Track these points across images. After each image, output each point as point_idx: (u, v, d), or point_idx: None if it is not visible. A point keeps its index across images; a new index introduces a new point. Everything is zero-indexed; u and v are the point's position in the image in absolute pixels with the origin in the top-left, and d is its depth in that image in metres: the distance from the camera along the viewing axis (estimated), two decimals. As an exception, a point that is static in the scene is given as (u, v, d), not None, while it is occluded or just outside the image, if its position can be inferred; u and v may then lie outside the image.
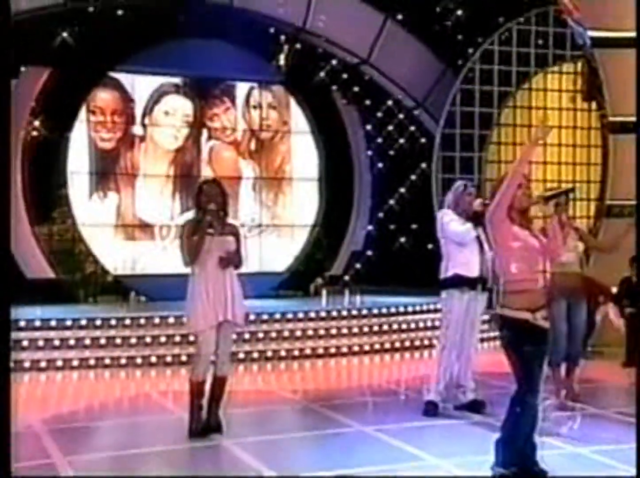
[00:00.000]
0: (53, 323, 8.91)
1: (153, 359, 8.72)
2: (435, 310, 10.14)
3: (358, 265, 13.89)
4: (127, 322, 9.33)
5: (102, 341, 8.81)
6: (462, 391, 6.22)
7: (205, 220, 5.39)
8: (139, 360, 8.61)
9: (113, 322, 9.23)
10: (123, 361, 8.58)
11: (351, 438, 5.43)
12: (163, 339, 9.02)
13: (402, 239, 13.97)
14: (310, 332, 9.72)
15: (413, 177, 13.72)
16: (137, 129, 11.64)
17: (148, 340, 9.00)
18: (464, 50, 12.95)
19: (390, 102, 13.44)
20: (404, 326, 10.36)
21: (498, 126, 12.78)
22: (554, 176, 13.01)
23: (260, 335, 9.46)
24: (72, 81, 10.98)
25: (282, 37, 12.24)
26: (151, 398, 7.07)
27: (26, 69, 10.99)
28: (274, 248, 12.31)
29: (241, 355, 9.04)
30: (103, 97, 11.46)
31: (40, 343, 8.68)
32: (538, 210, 4.87)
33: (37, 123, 11.10)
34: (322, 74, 12.82)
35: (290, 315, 9.90)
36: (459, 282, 5.97)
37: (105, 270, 11.33)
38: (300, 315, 9.97)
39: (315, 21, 12.38)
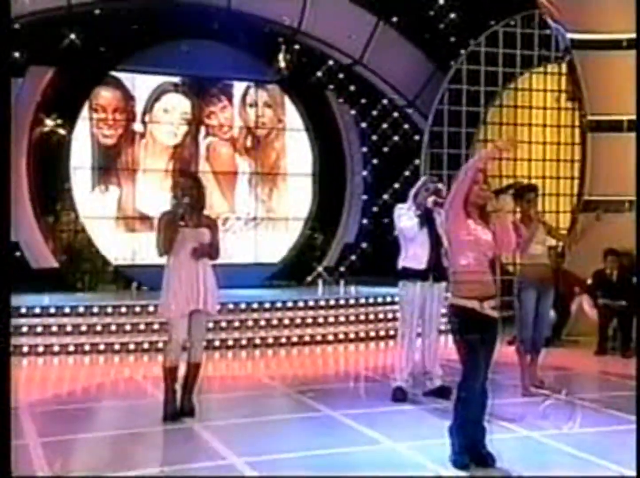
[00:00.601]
0: (52, 310, 9.44)
1: (145, 346, 9.26)
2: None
3: (354, 257, 14.40)
4: (123, 309, 9.86)
5: (98, 328, 9.35)
6: (429, 378, 6.65)
7: (177, 212, 5.75)
8: (131, 346, 9.15)
9: (109, 309, 9.73)
10: (117, 347, 9.13)
11: (317, 423, 5.82)
12: (156, 326, 9.57)
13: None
14: (298, 321, 10.25)
15: (407, 173, 14.18)
16: (137, 126, 12.17)
17: (142, 327, 9.51)
18: (454, 51, 13.38)
19: (383, 101, 13.89)
20: (390, 315, 10.87)
21: (484, 124, 13.22)
22: (538, 173, 13.45)
23: (250, 323, 9.98)
24: (75, 80, 11.53)
25: (278, 39, 12.68)
26: (137, 383, 7.50)
27: (32, 68, 11.52)
28: (269, 241, 12.83)
29: (230, 342, 9.61)
30: (105, 95, 11.99)
31: (39, 329, 9.22)
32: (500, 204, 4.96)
33: (42, 120, 11.63)
34: (316, 73, 13.28)
35: (279, 304, 10.40)
36: (409, 274, 6.45)
37: (106, 260, 11.89)
38: (289, 304, 10.48)
39: (310, 23, 12.86)
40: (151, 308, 9.70)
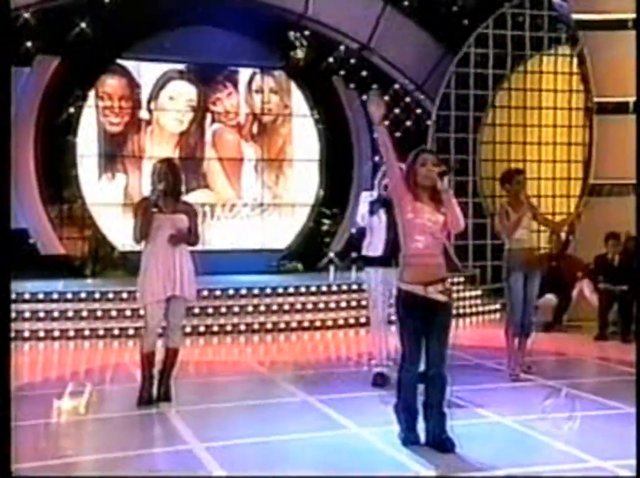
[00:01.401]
0: (55, 296, 9.64)
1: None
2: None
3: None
4: (125, 295, 9.98)
5: (99, 313, 9.51)
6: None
7: (150, 199, 5.81)
8: (130, 331, 9.24)
9: (111, 295, 9.89)
10: (116, 332, 9.26)
11: (290, 408, 5.87)
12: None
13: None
14: (298, 306, 10.29)
15: (417, 159, 14.09)
16: (143, 114, 12.26)
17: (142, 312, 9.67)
18: (463, 35, 13.22)
19: (391, 86, 13.78)
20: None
21: (493, 108, 13.10)
22: (548, 156, 13.31)
23: (249, 308, 10.03)
24: (81, 68, 11.65)
25: (284, 24, 12.65)
26: (127, 368, 7.56)
27: (39, 57, 11.66)
28: (276, 227, 12.86)
29: (228, 328, 9.70)
30: (111, 83, 12.10)
31: (41, 314, 9.40)
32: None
33: (48, 108, 11.76)
34: (323, 59, 13.23)
35: (280, 290, 10.47)
36: (367, 261, 6.56)
37: (112, 246, 12.03)
38: (291, 290, 10.54)
39: (316, 8, 12.81)
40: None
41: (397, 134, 14.34)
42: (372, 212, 6.45)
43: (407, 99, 14.05)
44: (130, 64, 12.15)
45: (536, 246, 7.51)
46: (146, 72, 12.24)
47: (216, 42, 12.09)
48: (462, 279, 11.95)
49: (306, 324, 10.00)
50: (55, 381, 7.17)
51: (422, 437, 4.77)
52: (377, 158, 14.16)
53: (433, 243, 4.66)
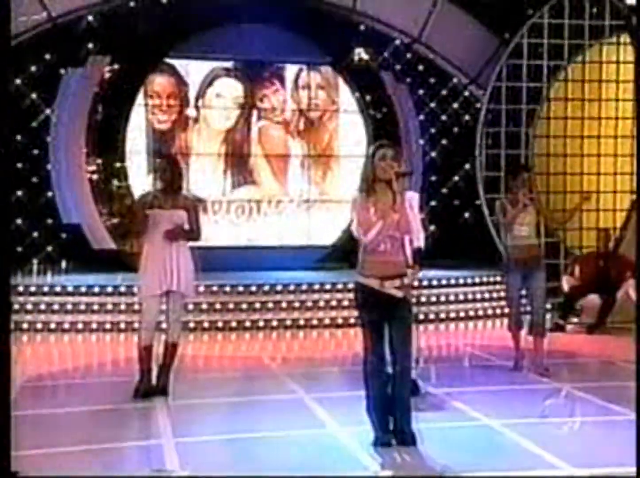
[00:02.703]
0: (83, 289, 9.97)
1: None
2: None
3: (421, 240, 14.20)
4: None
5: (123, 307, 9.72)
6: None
7: (147, 195, 5.94)
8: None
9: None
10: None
11: (280, 405, 5.85)
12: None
13: (467, 214, 14.16)
14: (333, 303, 10.24)
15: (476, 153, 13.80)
16: (191, 111, 12.45)
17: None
18: (519, 25, 12.85)
19: (442, 80, 13.57)
20: (434, 299, 10.79)
21: (548, 100, 12.68)
22: (608, 150, 12.76)
23: (284, 304, 10.05)
24: (131, 68, 11.96)
25: (332, 20, 12.60)
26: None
27: (91, 58, 12.01)
28: (322, 223, 12.84)
29: (261, 323, 9.76)
30: (159, 82, 12.33)
31: (82, 307, 9.70)
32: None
33: (99, 107, 12.12)
34: (372, 54, 13.12)
35: (316, 286, 10.43)
36: None
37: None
38: (327, 287, 10.51)
39: (365, 1, 12.73)
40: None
41: (455, 129, 14.21)
42: None
43: (453, 93, 13.80)
44: (178, 63, 12.36)
45: (538, 243, 7.42)
46: (194, 71, 12.42)
47: (263, 39, 12.15)
48: (498, 279, 11.65)
49: (340, 321, 9.94)
50: (61, 373, 7.42)
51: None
52: (433, 153, 14.08)
53: (389, 239, 4.64)
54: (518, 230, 6.92)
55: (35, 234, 12.40)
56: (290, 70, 12.81)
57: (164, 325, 6.22)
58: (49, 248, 12.39)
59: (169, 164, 6.14)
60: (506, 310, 7.88)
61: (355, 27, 12.91)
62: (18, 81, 12.08)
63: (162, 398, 5.90)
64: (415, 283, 10.90)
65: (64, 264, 12.16)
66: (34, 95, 12.14)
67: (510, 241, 7.01)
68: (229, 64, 12.55)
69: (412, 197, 6.11)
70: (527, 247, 6.99)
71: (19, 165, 12.22)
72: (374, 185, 4.64)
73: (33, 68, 12.11)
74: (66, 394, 6.42)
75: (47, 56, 12.06)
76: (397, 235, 4.65)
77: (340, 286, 10.39)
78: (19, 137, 12.15)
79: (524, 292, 7.39)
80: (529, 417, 5.46)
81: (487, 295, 11.13)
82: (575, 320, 10.00)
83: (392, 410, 4.73)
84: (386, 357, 4.74)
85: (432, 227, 14.32)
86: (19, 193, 12.26)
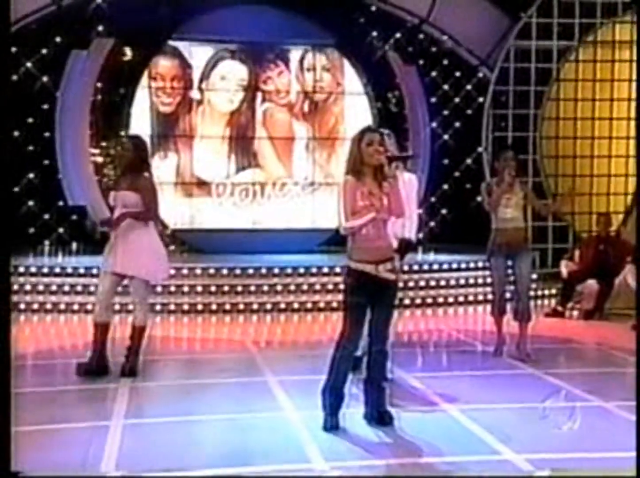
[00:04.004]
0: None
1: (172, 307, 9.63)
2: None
3: (432, 224, 14.11)
4: (172, 271, 10.15)
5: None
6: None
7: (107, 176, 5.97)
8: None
9: None
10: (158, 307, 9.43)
11: (244, 387, 5.83)
12: (186, 289, 9.87)
13: (479, 198, 13.95)
14: (330, 286, 10.19)
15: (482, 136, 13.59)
16: (195, 94, 12.43)
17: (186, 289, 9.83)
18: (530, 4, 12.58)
19: (450, 61, 13.37)
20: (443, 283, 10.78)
21: (558, 82, 12.42)
22: (621, 133, 12.50)
23: (292, 287, 10.06)
24: (134, 50, 12.01)
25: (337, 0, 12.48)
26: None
27: (95, 40, 12.07)
28: (326, 206, 12.74)
29: (255, 306, 9.76)
30: (163, 64, 12.32)
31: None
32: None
33: (103, 90, 12.19)
34: (378, 35, 12.98)
35: (313, 270, 10.41)
36: None
37: (165, 224, 12.31)
38: (325, 270, 10.45)
39: (371, -18, 12.59)
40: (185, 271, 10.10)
41: (468, 112, 14.00)
42: None
43: (462, 74, 13.58)
44: (182, 45, 12.34)
45: (524, 226, 7.14)
46: (198, 53, 12.40)
47: (267, 21, 12.08)
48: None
49: (335, 305, 9.86)
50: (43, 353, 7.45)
51: (343, 421, 4.74)
52: (446, 136, 13.89)
53: (380, 224, 4.68)
54: (503, 212, 6.76)
55: (45, 216, 12.56)
56: (295, 52, 12.72)
57: (131, 307, 6.23)
58: (60, 230, 12.56)
59: (131, 145, 6.09)
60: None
61: (361, 8, 12.79)
62: (29, 64, 12.22)
63: (129, 380, 5.91)
64: (416, 268, 10.96)
65: (74, 246, 12.33)
66: (45, 78, 12.25)
67: (494, 223, 6.85)
68: (233, 46, 12.49)
69: (410, 180, 6.08)
70: (512, 230, 6.80)
71: (30, 147, 12.38)
72: (362, 169, 4.63)
73: (44, 51, 12.22)
74: (36, 374, 6.46)
75: (54, 39, 12.15)
76: (387, 219, 4.70)
77: (338, 269, 10.32)
78: (30, 120, 12.32)
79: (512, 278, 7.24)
80: (492, 402, 5.39)
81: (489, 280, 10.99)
82: (573, 305, 9.81)
83: (366, 390, 4.83)
84: (359, 341, 4.80)
85: (443, 211, 14.28)
86: (30, 175, 12.44)
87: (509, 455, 4.27)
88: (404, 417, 4.90)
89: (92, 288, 9.70)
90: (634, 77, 12.26)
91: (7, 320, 3.32)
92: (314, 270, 10.42)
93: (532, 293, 11.18)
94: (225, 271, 10.16)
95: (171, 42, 12.29)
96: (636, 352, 6.25)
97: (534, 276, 11.61)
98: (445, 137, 14.01)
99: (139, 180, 6.03)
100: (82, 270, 10.13)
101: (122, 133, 12.11)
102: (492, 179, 7.09)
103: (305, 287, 10.12)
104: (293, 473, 4.02)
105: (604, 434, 4.67)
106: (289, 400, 5.41)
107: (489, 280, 10.78)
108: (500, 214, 6.75)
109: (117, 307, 9.17)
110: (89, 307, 9.20)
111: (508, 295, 7.32)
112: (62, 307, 9.65)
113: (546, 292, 11.29)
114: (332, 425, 4.69)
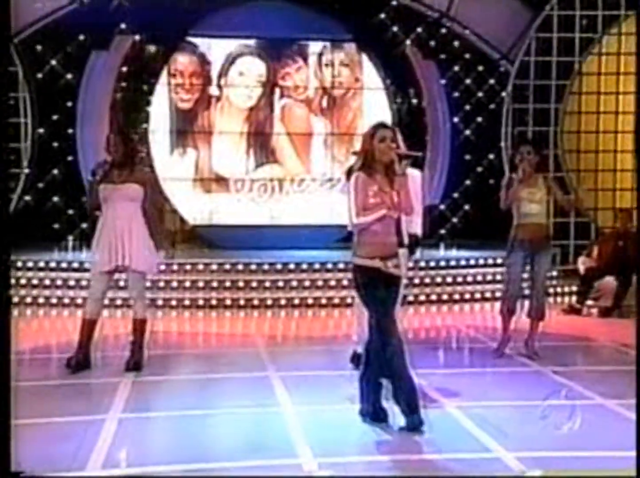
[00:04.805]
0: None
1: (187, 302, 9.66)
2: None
3: (455, 220, 14.02)
4: (188, 267, 10.26)
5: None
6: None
7: (97, 170, 5.90)
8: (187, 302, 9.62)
9: (175, 267, 10.17)
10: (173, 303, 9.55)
11: (245, 382, 5.84)
12: (201, 284, 9.90)
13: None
14: (345, 282, 10.15)
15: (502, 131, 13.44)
16: (213, 90, 12.45)
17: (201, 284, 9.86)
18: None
19: (472, 55, 13.24)
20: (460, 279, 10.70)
21: (580, 75, 12.24)
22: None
23: (307, 283, 10.06)
24: (154, 47, 12.08)
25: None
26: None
27: (116, 38, 12.16)
28: (345, 202, 12.69)
29: (269, 302, 9.76)
30: (182, 61, 12.37)
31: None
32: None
33: (123, 87, 12.29)
34: (397, 29, 12.90)
35: (329, 266, 10.39)
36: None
37: (183, 220, 12.40)
38: (340, 266, 10.42)
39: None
40: (200, 267, 10.16)
41: (491, 106, 13.85)
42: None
43: (483, 68, 13.44)
44: (200, 41, 12.38)
45: (546, 222, 6.95)
46: (216, 49, 12.42)
47: (286, 16, 12.06)
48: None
49: (349, 301, 9.84)
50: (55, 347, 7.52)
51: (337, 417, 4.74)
52: (467, 131, 13.76)
53: (389, 221, 4.67)
54: (528, 208, 6.60)
55: (70, 212, 12.69)
56: (314, 48, 12.68)
57: (131, 302, 6.26)
58: (83, 226, 12.69)
59: (120, 138, 6.04)
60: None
61: (380, 2, 12.71)
62: (53, 62, 12.36)
63: (131, 374, 5.94)
64: (433, 264, 10.89)
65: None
66: (69, 76, 12.37)
67: (516, 219, 6.68)
68: (251, 42, 12.50)
69: (416, 177, 6.05)
70: (534, 226, 6.64)
71: (55, 144, 12.53)
72: (373, 165, 4.61)
73: (68, 49, 12.35)
74: (43, 367, 6.54)
75: (77, 37, 12.27)
76: (394, 216, 4.69)
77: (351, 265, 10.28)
78: (55, 117, 12.47)
79: (526, 275, 7.09)
80: (492, 400, 5.35)
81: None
82: (591, 303, 9.67)
83: (363, 388, 4.82)
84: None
85: (465, 207, 14.16)
86: (55, 171, 12.59)
87: (500, 453, 4.23)
88: (399, 413, 4.86)
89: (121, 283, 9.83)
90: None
91: (7, 320, 3.34)
92: (329, 266, 10.41)
93: (551, 290, 11.20)
94: (240, 266, 10.19)
95: (190, 39, 12.33)
96: (636, 351, 6.16)
97: (554, 273, 11.55)
98: (467, 132, 13.87)
99: (140, 173, 6.01)
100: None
101: (143, 129, 12.25)
102: (514, 174, 6.83)
103: (320, 283, 10.11)
104: (281, 469, 4.01)
105: (603, 433, 4.60)
106: (289, 396, 5.39)
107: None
108: (523, 208, 6.58)
109: (119, 301, 9.42)
110: (119, 302, 9.21)
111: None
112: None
113: (566, 289, 11.13)
114: (418, 423, 4.59)
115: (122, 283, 9.50)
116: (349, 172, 6.20)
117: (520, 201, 6.62)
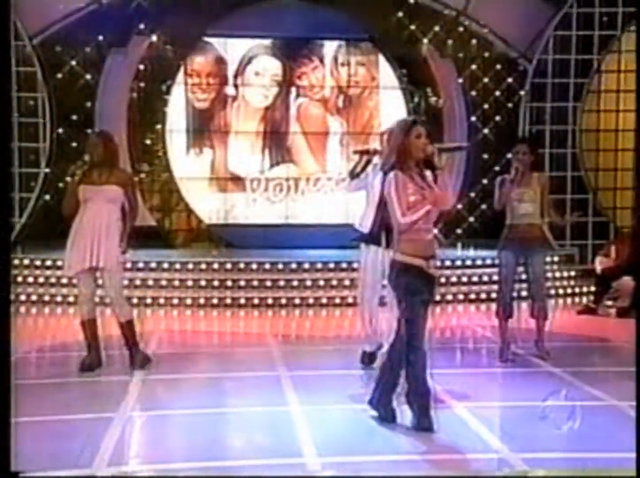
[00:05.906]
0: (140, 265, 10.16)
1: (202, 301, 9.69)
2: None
3: (472, 219, 13.94)
4: (203, 266, 10.31)
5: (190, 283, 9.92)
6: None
7: (75, 171, 5.83)
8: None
9: (190, 266, 10.24)
10: (188, 301, 9.62)
11: (255, 381, 5.84)
12: (216, 283, 9.94)
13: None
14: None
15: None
16: (229, 89, 12.50)
17: (216, 283, 9.89)
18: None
19: (489, 54, 13.15)
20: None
21: (599, 73, 12.13)
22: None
23: (322, 282, 10.05)
24: (171, 47, 12.13)
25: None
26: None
27: (133, 38, 12.23)
28: (360, 201, 12.66)
29: (283, 301, 9.77)
30: (198, 60, 12.42)
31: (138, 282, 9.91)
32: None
33: (140, 86, 12.33)
34: (413, 28, 12.85)
35: (344, 265, 10.36)
36: (359, 237, 6.22)
37: (199, 219, 12.44)
38: (355, 266, 10.39)
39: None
40: (215, 266, 10.19)
41: (509, 105, 13.76)
42: (358, 184, 6.26)
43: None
44: (217, 41, 12.43)
45: (539, 222, 6.63)
46: (232, 49, 12.46)
47: (301, 16, 12.09)
48: (555, 259, 11.23)
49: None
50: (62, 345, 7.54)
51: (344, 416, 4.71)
52: (486, 130, 13.67)
53: (429, 218, 4.57)
54: (517, 208, 6.52)
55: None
56: (330, 47, 12.69)
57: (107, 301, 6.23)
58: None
59: (102, 140, 5.97)
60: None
61: (397, 1, 12.67)
62: (73, 62, 12.43)
63: (140, 373, 5.94)
64: (449, 263, 10.84)
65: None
66: (88, 76, 12.43)
67: (508, 219, 6.63)
68: (267, 42, 12.53)
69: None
70: (525, 226, 6.54)
71: (74, 144, 12.61)
72: (408, 162, 4.55)
73: (87, 49, 12.41)
74: (52, 365, 6.59)
75: (96, 37, 12.33)
76: (434, 213, 4.57)
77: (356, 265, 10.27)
78: (73, 117, 12.54)
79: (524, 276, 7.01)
80: (501, 400, 5.33)
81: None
82: (609, 303, 9.57)
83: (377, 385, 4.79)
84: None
85: (483, 206, 14.07)
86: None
87: (504, 453, 4.21)
88: (407, 413, 4.84)
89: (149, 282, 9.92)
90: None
91: (7, 320, 3.34)
92: (344, 265, 10.37)
93: (569, 290, 11.11)
94: (254, 266, 10.21)
95: (206, 39, 12.38)
96: (636, 351, 6.09)
97: (572, 273, 11.46)
98: (485, 131, 13.78)
99: (120, 174, 5.97)
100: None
101: (160, 129, 12.31)
102: (506, 174, 6.73)
103: (334, 282, 10.10)
104: (286, 468, 4.01)
105: (609, 434, 4.55)
106: (297, 395, 5.37)
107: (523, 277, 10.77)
108: (515, 208, 6.53)
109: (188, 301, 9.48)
110: (149, 301, 9.54)
111: (515, 294, 7.00)
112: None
113: (584, 289, 11.03)
114: (429, 425, 4.57)
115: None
116: (353, 172, 6.26)
117: (512, 201, 6.53)
